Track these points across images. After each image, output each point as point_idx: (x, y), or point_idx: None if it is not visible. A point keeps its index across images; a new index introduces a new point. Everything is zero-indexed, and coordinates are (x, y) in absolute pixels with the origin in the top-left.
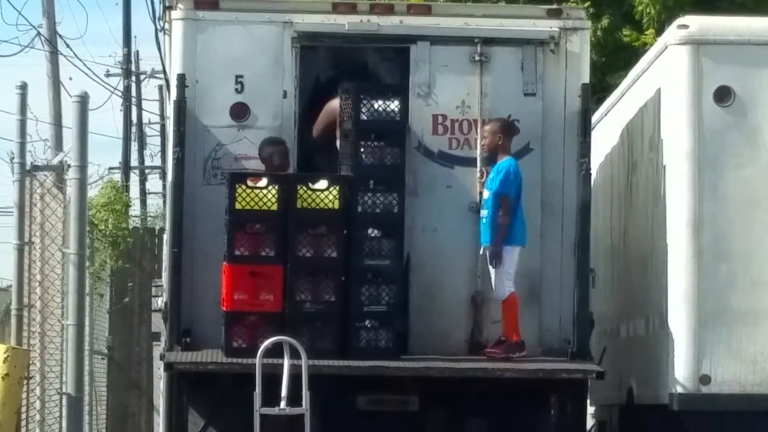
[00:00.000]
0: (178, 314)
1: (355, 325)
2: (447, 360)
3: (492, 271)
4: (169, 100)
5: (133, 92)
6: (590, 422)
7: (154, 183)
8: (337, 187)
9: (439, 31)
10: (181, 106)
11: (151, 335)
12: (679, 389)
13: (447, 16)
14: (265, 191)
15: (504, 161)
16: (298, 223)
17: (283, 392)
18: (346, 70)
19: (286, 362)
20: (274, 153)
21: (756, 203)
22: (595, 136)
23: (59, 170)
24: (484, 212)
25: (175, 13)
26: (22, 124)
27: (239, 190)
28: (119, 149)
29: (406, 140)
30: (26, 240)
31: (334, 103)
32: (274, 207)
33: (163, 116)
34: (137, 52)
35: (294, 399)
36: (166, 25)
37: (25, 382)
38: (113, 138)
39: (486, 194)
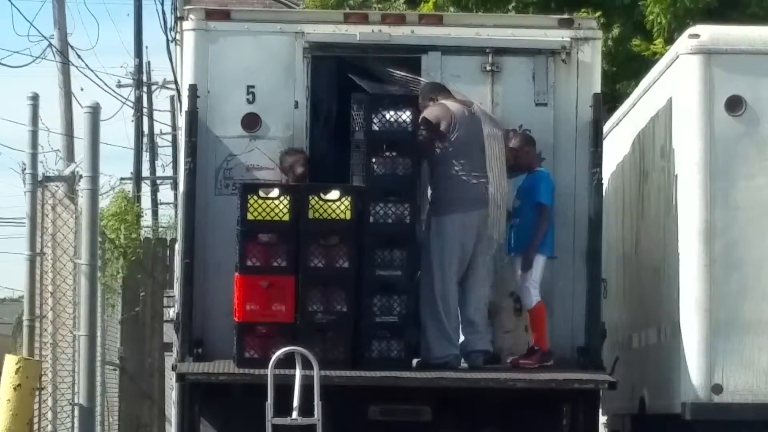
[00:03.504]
0: (189, 325)
1: (366, 336)
2: (459, 370)
3: (519, 279)
4: (181, 110)
5: (145, 103)
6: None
7: (165, 193)
8: (349, 198)
9: (450, 41)
10: (192, 116)
11: (163, 346)
12: (692, 398)
13: (458, 26)
14: (276, 202)
15: (540, 172)
16: (310, 234)
17: (295, 402)
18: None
19: (298, 373)
20: (296, 162)
21: (767, 212)
22: (607, 145)
23: (71, 181)
24: (515, 220)
25: (187, 24)
26: (34, 134)
27: (251, 201)
28: (131, 160)
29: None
30: (38, 251)
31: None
32: (286, 217)
33: (174, 127)
34: (149, 62)
35: (306, 409)
36: (178, 36)
37: (37, 392)
38: (125, 148)
39: (517, 202)
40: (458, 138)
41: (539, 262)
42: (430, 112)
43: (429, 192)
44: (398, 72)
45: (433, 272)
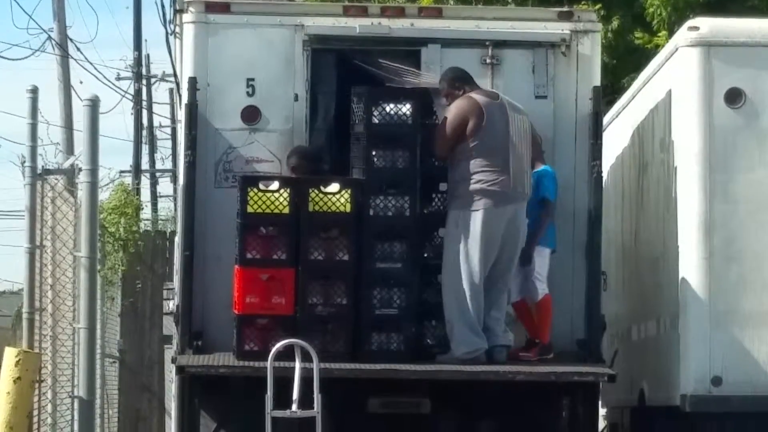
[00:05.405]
0: (189, 317)
1: (366, 328)
2: (458, 362)
3: (520, 273)
4: (180, 103)
5: (144, 95)
6: (602, 424)
7: (165, 186)
8: (349, 191)
9: (450, 33)
10: (192, 109)
11: (163, 338)
12: (691, 391)
13: (458, 18)
14: (276, 194)
15: (544, 169)
16: (310, 227)
17: (295, 395)
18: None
19: (298, 365)
20: (299, 165)
21: (767, 205)
22: (606, 137)
23: (70, 174)
24: None
25: (186, 17)
26: (33, 127)
27: (251, 194)
28: (130, 152)
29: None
30: (38, 243)
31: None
32: (286, 210)
33: (174, 119)
34: (148, 55)
35: (305, 402)
36: (177, 29)
37: (36, 385)
38: (124, 141)
39: None
40: (488, 133)
41: (545, 255)
42: (459, 107)
43: (451, 186)
44: (393, 64)
45: (460, 267)
